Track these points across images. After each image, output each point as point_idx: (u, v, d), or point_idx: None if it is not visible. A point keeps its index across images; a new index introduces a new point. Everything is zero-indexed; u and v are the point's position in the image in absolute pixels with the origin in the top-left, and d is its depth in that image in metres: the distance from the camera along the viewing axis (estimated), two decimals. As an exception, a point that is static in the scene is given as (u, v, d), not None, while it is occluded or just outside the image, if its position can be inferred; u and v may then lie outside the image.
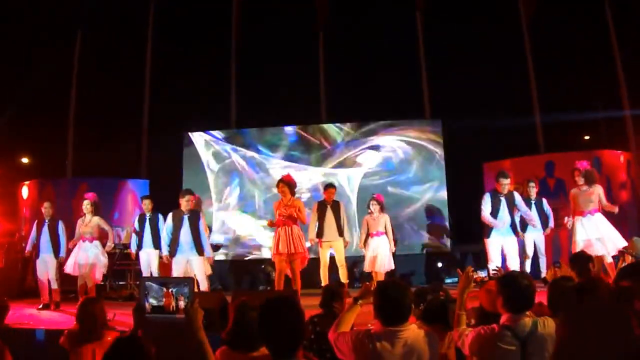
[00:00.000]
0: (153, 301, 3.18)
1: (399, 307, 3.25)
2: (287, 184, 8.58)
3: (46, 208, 9.29)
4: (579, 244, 8.11)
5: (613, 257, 7.94)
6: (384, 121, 12.16)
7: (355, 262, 10.83)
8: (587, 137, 13.36)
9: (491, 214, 8.40)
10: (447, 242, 11.49)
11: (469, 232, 11.18)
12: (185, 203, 8.43)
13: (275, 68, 12.65)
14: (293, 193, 8.67)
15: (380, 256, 9.10)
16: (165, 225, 8.57)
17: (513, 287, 3.31)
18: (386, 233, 9.29)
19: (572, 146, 12.00)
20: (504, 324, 3.25)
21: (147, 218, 9.50)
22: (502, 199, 8.42)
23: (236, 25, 13.55)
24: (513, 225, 8.48)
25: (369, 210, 9.39)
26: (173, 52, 13.21)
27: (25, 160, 14.67)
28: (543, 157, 11.53)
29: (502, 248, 8.45)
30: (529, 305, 3.32)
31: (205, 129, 12.62)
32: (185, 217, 8.41)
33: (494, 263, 8.21)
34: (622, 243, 7.94)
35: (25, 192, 12.11)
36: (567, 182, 9.95)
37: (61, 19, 12.91)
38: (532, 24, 12.59)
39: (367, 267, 9.34)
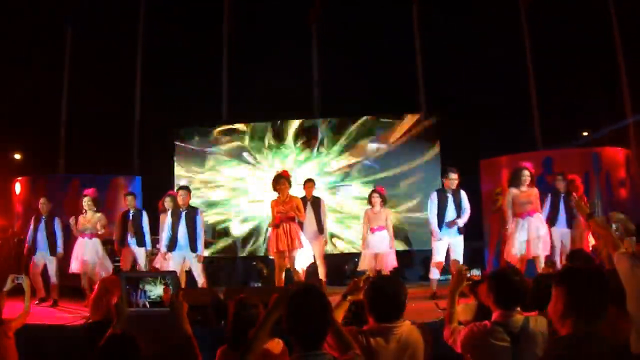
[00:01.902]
0: (150, 296, 3.12)
1: (394, 304, 3.22)
2: (288, 180, 8.46)
3: (42, 204, 9.24)
4: (517, 245, 8.05)
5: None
6: (378, 116, 12.11)
7: (346, 258, 10.77)
8: (585, 133, 13.29)
9: (438, 212, 8.36)
10: None
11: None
12: (179, 199, 8.38)
13: (268, 62, 12.55)
14: (289, 188, 8.58)
15: (383, 253, 8.79)
16: (166, 223, 8.50)
17: (504, 282, 3.31)
18: (387, 228, 8.95)
19: (570, 142, 11.93)
20: (496, 320, 3.25)
21: (131, 215, 9.43)
22: (449, 196, 8.35)
23: (228, 20, 13.48)
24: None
25: (371, 204, 9.01)
26: (164, 48, 13.13)
27: (17, 156, 14.59)
28: (541, 153, 11.45)
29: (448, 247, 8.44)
30: (520, 300, 3.32)
31: (197, 124, 12.64)
32: (183, 213, 8.37)
33: (434, 260, 8.35)
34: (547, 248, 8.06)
35: (17, 188, 12.05)
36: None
37: (52, 15, 12.83)
38: (531, 17, 12.52)
39: (364, 265, 8.89)
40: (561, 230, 8.71)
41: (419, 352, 3.16)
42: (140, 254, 9.34)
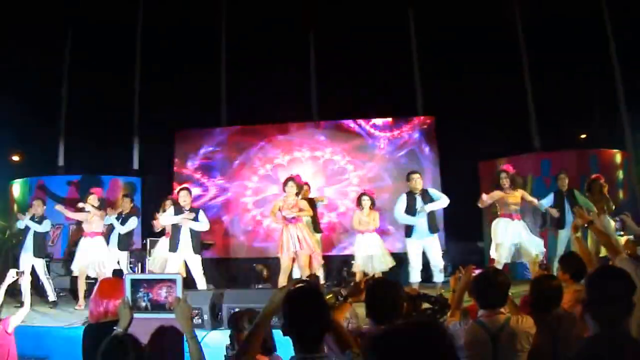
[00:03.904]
0: (154, 299, 3.14)
1: (392, 306, 3.21)
2: (297, 183, 8.48)
3: (34, 206, 9.19)
4: (505, 246, 7.97)
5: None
6: (376, 119, 12.14)
7: (344, 261, 10.76)
8: (583, 136, 13.32)
9: (408, 213, 8.25)
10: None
11: (463, 230, 11.16)
12: (181, 199, 8.36)
13: (267, 65, 12.57)
14: (298, 194, 8.58)
15: (375, 255, 8.73)
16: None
17: (486, 283, 3.41)
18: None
19: (568, 145, 11.95)
20: (478, 318, 3.36)
21: (121, 217, 9.46)
22: (418, 197, 8.26)
23: (227, 23, 13.50)
24: (431, 225, 8.26)
25: (360, 207, 8.98)
26: (164, 49, 13.12)
27: (16, 158, 14.58)
28: (539, 155, 11.49)
29: (423, 250, 8.28)
30: (501, 302, 3.41)
31: (196, 126, 12.66)
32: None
33: (414, 267, 8.17)
34: (542, 248, 7.95)
35: (16, 190, 12.05)
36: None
37: (52, 14, 12.82)
38: (527, 20, 12.54)
39: (357, 267, 8.90)
40: (565, 232, 8.57)
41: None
42: (122, 257, 9.37)
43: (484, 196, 8.15)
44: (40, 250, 8.98)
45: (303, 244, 8.20)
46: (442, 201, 8.37)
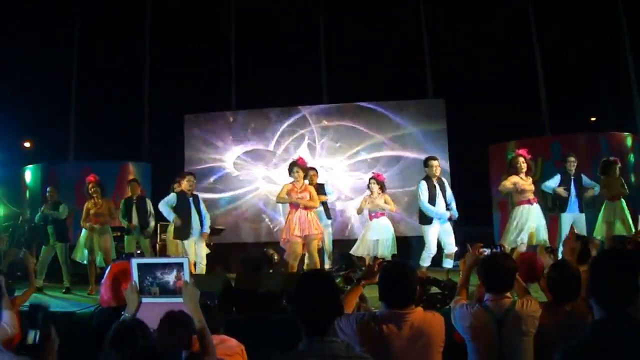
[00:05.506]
0: (162, 283, 3.13)
1: (405, 290, 3.18)
2: (302, 167, 8.36)
3: (50, 192, 9.22)
4: (514, 232, 7.85)
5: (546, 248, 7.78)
6: (386, 101, 12.09)
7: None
8: (593, 119, 13.21)
9: (429, 201, 8.12)
10: None
11: (472, 215, 11.11)
12: (186, 184, 8.34)
13: (276, 48, 12.55)
14: (306, 177, 8.47)
15: (383, 239, 8.63)
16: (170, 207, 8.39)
17: (493, 268, 3.41)
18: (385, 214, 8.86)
19: (578, 127, 11.86)
20: (484, 302, 3.38)
21: (134, 202, 9.46)
22: (436, 184, 8.18)
23: (237, 7, 13.44)
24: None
25: (369, 191, 8.87)
26: (173, 33, 13.11)
27: (27, 144, 14.65)
28: (549, 138, 11.40)
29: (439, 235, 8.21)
30: (507, 286, 3.42)
31: (206, 110, 12.65)
32: (190, 200, 8.35)
33: (431, 252, 8.13)
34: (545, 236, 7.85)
35: (28, 176, 12.10)
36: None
37: (62, 3, 12.83)
38: (538, 2, 12.40)
39: (362, 251, 8.78)
40: (573, 215, 8.41)
41: (434, 339, 3.13)
42: (143, 241, 9.39)
43: (507, 183, 8.02)
44: (60, 235, 9.03)
45: (313, 228, 8.13)
46: (454, 205, 8.31)
